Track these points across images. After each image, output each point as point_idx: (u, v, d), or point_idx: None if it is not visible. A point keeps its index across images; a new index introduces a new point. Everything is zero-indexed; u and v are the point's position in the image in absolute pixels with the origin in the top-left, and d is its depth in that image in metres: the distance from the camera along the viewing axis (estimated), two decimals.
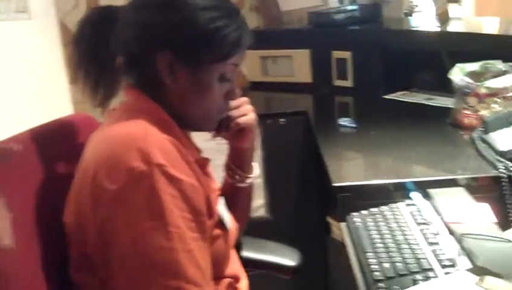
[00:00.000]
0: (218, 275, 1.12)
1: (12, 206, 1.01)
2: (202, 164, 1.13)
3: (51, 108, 2.17)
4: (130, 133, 1.00)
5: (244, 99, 1.24)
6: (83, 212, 1.00)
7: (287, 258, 1.51)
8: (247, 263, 1.37)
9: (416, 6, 2.52)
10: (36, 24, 2.19)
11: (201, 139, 1.22)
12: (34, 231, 1.05)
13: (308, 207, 2.30)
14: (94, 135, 1.10)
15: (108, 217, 0.95)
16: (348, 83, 2.43)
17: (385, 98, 2.29)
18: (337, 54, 2.44)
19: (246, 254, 1.47)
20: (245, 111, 1.24)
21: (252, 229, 1.44)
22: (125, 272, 0.96)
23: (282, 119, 2.23)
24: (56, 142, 1.20)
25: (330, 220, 2.05)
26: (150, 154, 0.95)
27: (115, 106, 1.14)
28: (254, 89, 2.60)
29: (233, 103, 1.19)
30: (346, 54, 2.41)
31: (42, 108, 2.23)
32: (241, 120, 1.23)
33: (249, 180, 1.34)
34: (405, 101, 2.22)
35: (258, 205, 2.21)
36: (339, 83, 2.45)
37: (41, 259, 1.04)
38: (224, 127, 1.21)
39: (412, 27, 2.40)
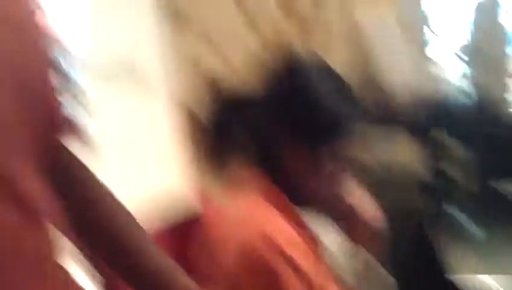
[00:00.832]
0: None
1: None
2: (318, 248, 1.16)
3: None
4: (254, 217, 1.05)
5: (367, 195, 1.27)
6: None
7: None
8: None
9: None
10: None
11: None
12: None
13: None
14: (215, 219, 1.15)
15: None
16: None
17: None
18: None
19: None
20: (368, 206, 1.27)
21: None
22: None
23: None
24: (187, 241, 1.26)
25: None
26: (273, 241, 0.99)
27: (236, 185, 1.19)
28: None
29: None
30: None
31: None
32: (362, 212, 1.25)
33: None
34: None
35: None
36: None
37: None
38: (343, 217, 1.24)
39: None
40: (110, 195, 0.82)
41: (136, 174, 2.27)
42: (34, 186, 0.60)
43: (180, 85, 2.15)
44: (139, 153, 2.31)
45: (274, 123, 1.12)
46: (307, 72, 1.13)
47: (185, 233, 1.28)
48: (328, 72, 1.15)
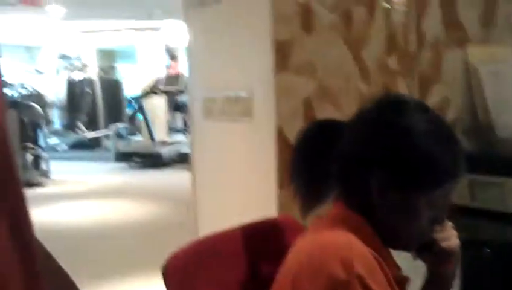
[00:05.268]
0: None
1: None
2: (401, 281, 1.13)
3: (257, 208, 2.30)
4: (334, 242, 1.04)
5: (449, 223, 1.22)
6: None
7: None
8: None
9: None
10: (256, 128, 2.38)
11: (399, 256, 1.21)
12: None
13: None
14: (299, 240, 1.15)
15: None
16: None
17: None
18: None
19: None
20: (449, 236, 1.21)
21: None
22: None
23: (487, 249, 2.11)
24: (263, 241, 1.29)
25: None
26: (352, 265, 0.98)
27: (321, 214, 1.19)
28: (460, 213, 2.51)
29: (437, 226, 1.18)
30: None
31: (250, 206, 2.38)
32: (445, 244, 1.20)
33: None
34: None
35: None
36: None
37: None
38: (427, 249, 1.20)
39: None
40: None
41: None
42: None
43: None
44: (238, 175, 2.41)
45: (370, 165, 1.10)
46: (405, 112, 1.12)
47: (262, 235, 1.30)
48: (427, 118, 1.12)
